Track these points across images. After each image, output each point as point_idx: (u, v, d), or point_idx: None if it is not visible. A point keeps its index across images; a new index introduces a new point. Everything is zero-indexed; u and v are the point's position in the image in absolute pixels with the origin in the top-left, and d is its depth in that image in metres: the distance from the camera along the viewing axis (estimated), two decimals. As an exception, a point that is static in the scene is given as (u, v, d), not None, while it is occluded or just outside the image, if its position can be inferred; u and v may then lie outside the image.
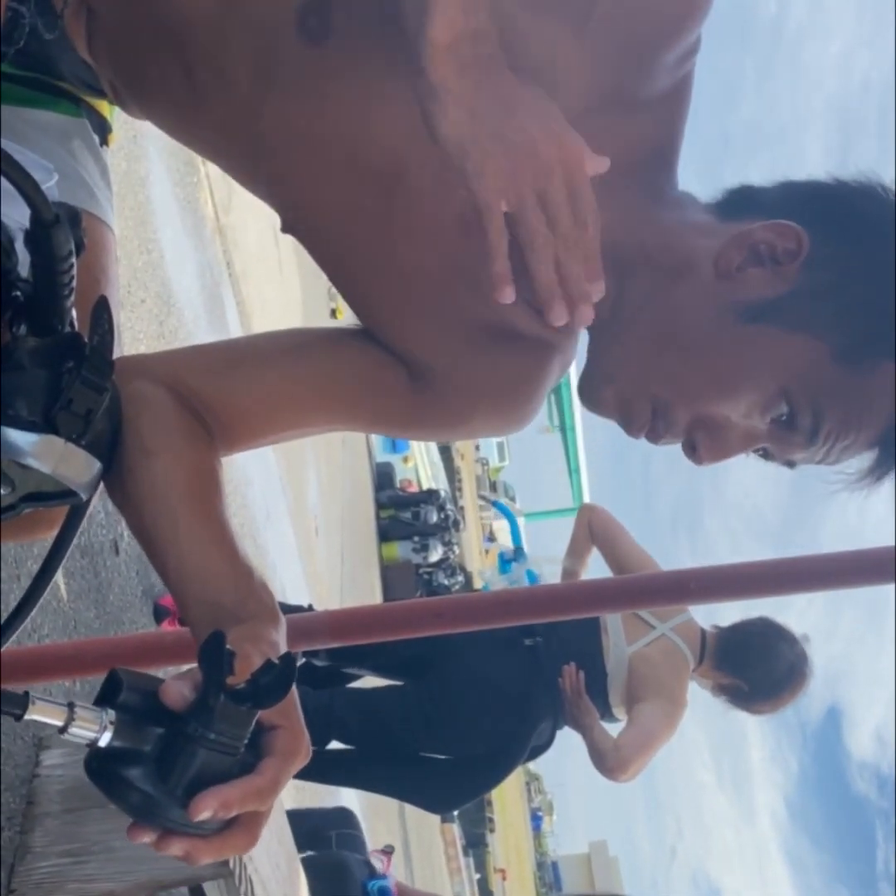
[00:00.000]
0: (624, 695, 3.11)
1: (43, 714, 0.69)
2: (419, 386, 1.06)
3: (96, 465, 0.80)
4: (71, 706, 0.69)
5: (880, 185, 0.95)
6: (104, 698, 0.72)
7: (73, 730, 0.69)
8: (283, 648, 0.83)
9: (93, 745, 0.71)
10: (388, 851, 3.24)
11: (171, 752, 0.72)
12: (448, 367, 1.05)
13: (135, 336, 3.60)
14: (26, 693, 0.68)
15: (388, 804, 9.40)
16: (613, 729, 3.11)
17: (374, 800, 7.88)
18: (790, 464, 1.00)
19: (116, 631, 2.88)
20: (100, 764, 0.72)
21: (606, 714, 3.13)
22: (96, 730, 0.70)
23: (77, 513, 0.86)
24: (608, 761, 2.96)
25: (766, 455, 1.00)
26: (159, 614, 3.30)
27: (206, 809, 0.71)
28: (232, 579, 0.87)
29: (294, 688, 0.78)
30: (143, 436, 0.91)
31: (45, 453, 0.75)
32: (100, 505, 0.80)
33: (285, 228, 1.06)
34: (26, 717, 0.68)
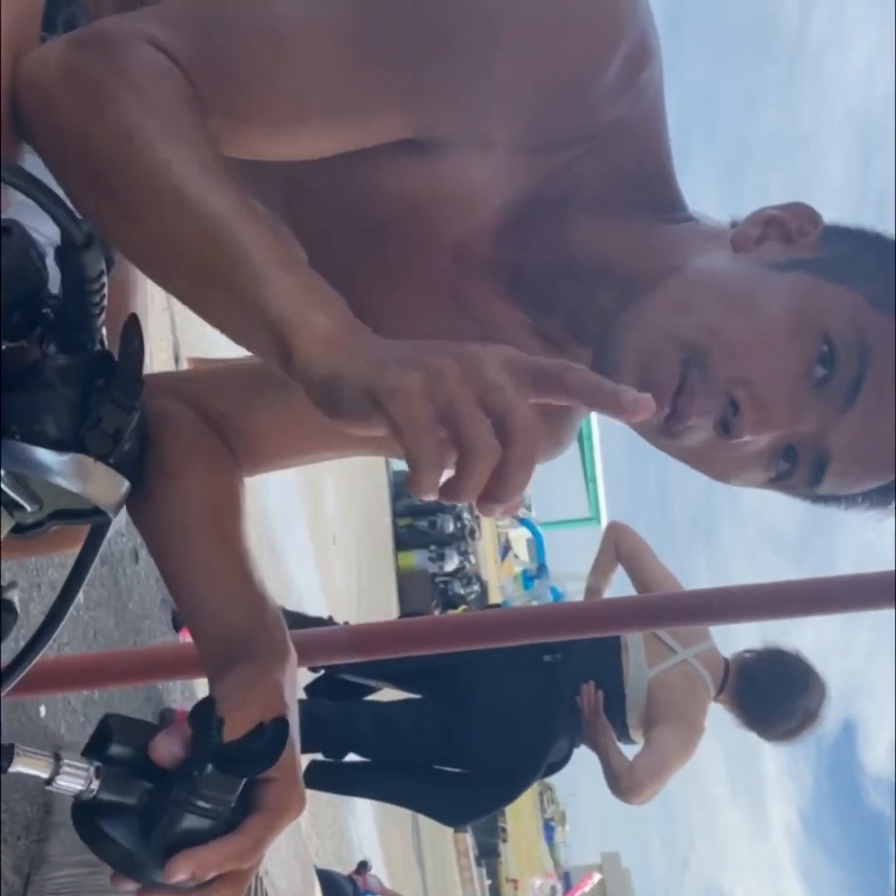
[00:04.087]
0: (642, 717, 3.09)
1: (28, 766, 0.69)
2: None
3: (124, 484, 0.79)
4: (57, 758, 0.69)
5: None
6: (94, 748, 0.72)
7: (59, 782, 0.69)
8: (290, 688, 0.82)
9: (79, 796, 0.70)
10: (361, 871, 3.24)
11: (156, 811, 0.71)
12: None
13: (157, 343, 3.61)
14: (11, 745, 0.68)
15: (402, 814, 9.39)
16: (628, 750, 3.11)
17: (389, 809, 7.88)
18: (817, 480, 0.89)
19: (135, 639, 2.89)
20: (84, 816, 0.72)
21: (623, 735, 3.12)
22: (83, 782, 0.70)
23: (99, 531, 0.85)
24: (623, 784, 2.96)
25: (785, 479, 0.90)
26: (178, 622, 3.30)
27: (179, 873, 0.71)
28: (243, 613, 0.86)
29: (294, 739, 0.77)
30: (165, 456, 0.90)
31: (73, 472, 0.75)
32: (120, 513, 0.81)
33: None
34: (11, 770, 0.68)
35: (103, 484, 0.77)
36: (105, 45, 0.76)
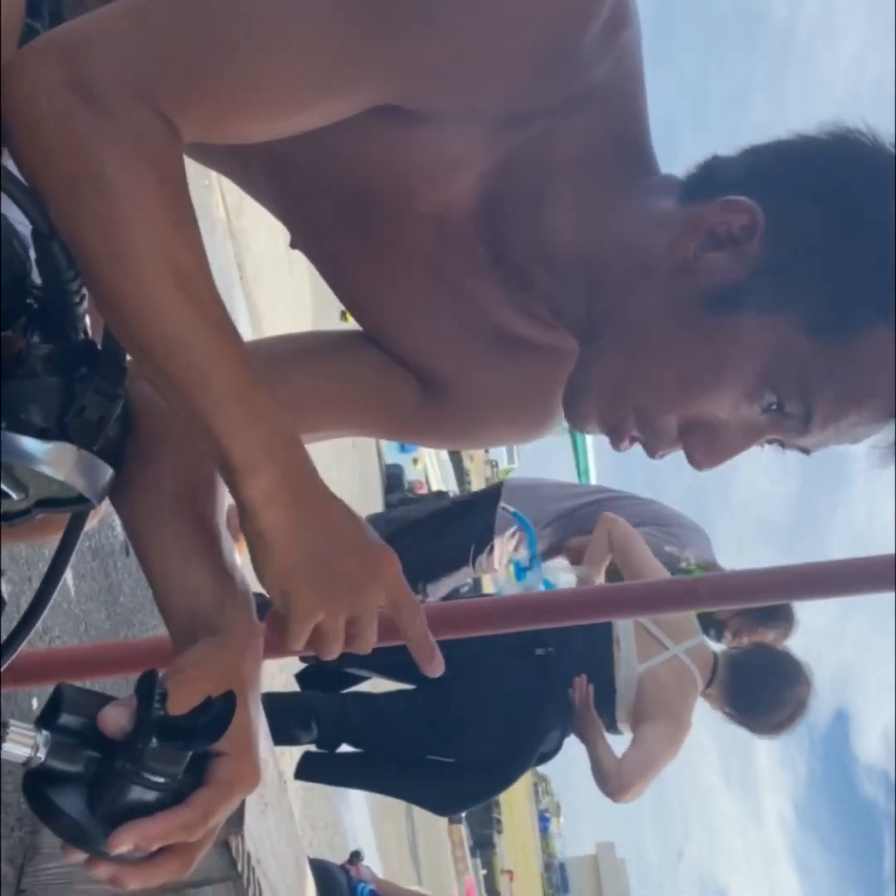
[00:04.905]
0: (630, 711, 3.11)
1: None
2: (431, 395, 1.06)
3: (108, 472, 0.80)
4: (4, 725, 0.69)
5: (847, 130, 0.87)
6: (45, 717, 0.72)
7: (5, 747, 0.69)
8: (251, 666, 0.82)
9: (27, 764, 0.71)
10: (355, 861, 3.23)
11: (103, 781, 0.72)
12: (458, 378, 1.05)
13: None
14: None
15: (396, 805, 9.41)
16: (615, 741, 3.12)
17: (383, 801, 7.88)
18: (804, 450, 0.92)
19: (127, 632, 2.89)
20: (34, 784, 0.72)
21: (610, 727, 3.14)
22: (29, 749, 0.70)
23: (80, 517, 0.86)
24: (611, 784, 2.99)
25: (780, 444, 0.93)
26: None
27: (123, 844, 0.71)
28: (210, 591, 0.86)
29: (251, 715, 0.78)
30: (141, 440, 0.90)
31: (58, 460, 0.76)
32: (110, 507, 0.82)
33: (292, 245, 1.07)
34: None
35: (88, 472, 0.78)
36: (97, 108, 0.74)
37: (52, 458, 0.75)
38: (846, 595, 1.62)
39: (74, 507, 0.82)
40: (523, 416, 1.10)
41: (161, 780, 0.72)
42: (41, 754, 0.70)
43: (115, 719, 0.72)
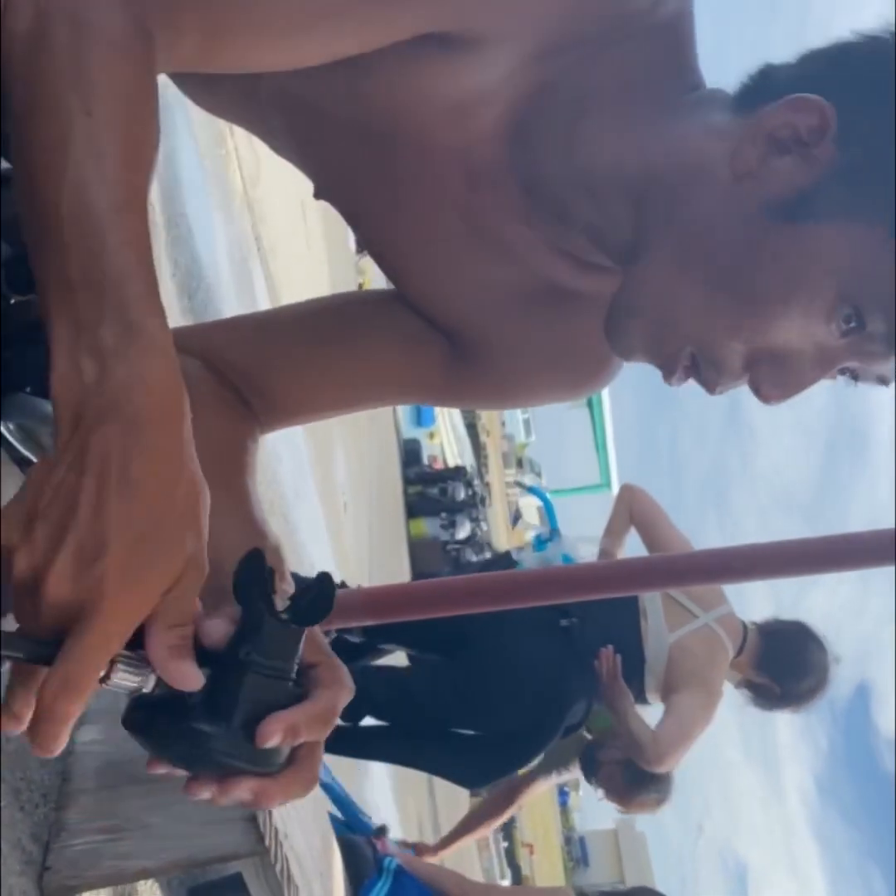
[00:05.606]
0: (661, 682, 3.10)
1: None
2: (465, 353, 1.03)
3: None
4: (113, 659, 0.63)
5: None
6: (141, 641, 0.65)
7: (115, 679, 0.63)
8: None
9: (136, 693, 0.65)
10: (381, 836, 3.22)
11: (221, 687, 0.66)
12: (495, 333, 1.01)
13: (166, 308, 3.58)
14: (58, 642, 0.61)
15: (418, 779, 9.45)
16: (643, 711, 3.11)
17: (405, 774, 7.92)
18: (882, 379, 0.85)
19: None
20: (145, 715, 0.66)
21: (639, 698, 3.13)
22: (138, 678, 0.64)
23: None
24: (647, 753, 2.98)
25: (853, 375, 0.85)
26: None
27: (274, 735, 0.66)
28: (236, 546, 0.84)
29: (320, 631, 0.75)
30: None
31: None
32: None
33: (317, 195, 1.03)
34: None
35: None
36: (76, 9, 0.68)
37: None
38: (846, 569, 1.61)
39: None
40: (571, 371, 1.05)
41: (282, 665, 0.67)
42: (151, 680, 0.64)
43: (217, 628, 0.67)
